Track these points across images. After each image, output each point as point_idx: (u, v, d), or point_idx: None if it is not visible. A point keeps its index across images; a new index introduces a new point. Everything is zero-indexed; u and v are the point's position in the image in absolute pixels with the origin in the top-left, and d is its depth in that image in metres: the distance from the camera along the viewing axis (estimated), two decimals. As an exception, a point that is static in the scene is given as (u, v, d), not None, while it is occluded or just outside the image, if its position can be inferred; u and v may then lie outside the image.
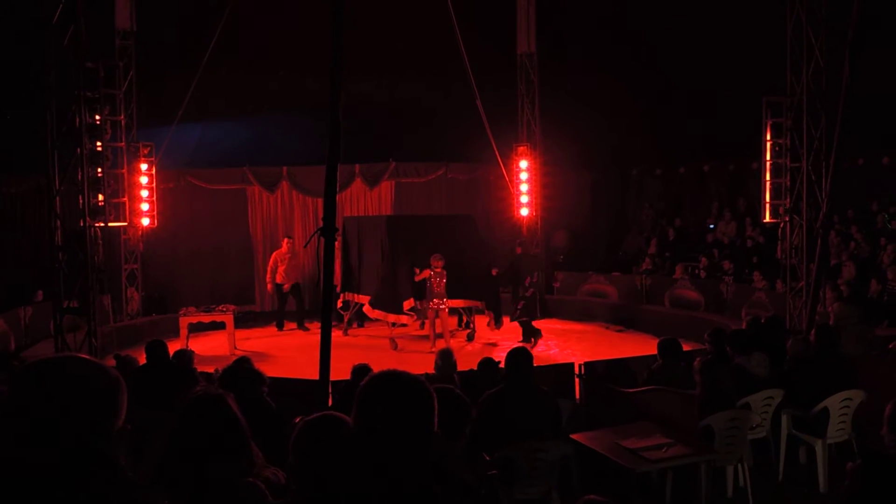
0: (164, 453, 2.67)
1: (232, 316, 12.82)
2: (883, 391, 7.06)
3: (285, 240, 14.72)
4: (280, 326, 14.69)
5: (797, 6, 11.04)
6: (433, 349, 11.64)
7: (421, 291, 12.51)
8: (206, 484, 2.57)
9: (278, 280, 14.46)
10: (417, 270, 12.41)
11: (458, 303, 12.95)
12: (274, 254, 14.74)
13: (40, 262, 13.45)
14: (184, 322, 12.62)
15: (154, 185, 14.44)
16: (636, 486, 5.48)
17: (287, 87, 16.34)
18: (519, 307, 12.68)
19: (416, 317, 13.26)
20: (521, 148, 16.39)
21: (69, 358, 1.87)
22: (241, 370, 5.82)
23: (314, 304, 16.00)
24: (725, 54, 15.05)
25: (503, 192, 16.73)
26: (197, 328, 12.92)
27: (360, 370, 6.39)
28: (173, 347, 8.24)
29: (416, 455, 2.02)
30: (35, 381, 1.77)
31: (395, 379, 2.10)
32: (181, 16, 14.71)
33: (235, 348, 12.52)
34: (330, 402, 6.19)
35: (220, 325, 12.89)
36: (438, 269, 12.07)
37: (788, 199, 11.63)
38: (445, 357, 7.01)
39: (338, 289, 13.51)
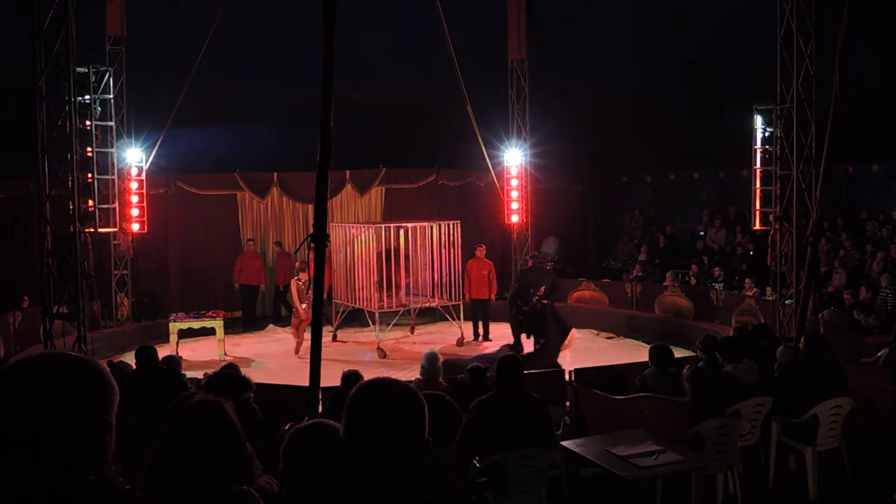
0: (156, 460, 2.64)
1: (222, 322, 12.80)
2: (873, 399, 7.11)
3: (249, 243, 15.64)
4: (248, 327, 15.12)
5: (788, 15, 11.09)
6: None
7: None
8: (199, 492, 2.55)
9: (243, 281, 15.19)
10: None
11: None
12: (239, 257, 15.47)
13: (29, 268, 13.39)
14: (173, 328, 12.59)
15: (144, 190, 14.41)
16: (626, 494, 5.48)
17: (277, 93, 16.32)
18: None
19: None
20: (512, 154, 16.40)
21: (43, 356, 1.75)
22: (227, 376, 5.79)
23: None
24: (716, 62, 15.12)
25: (494, 199, 16.74)
26: (187, 334, 12.89)
27: (351, 377, 6.37)
28: (163, 353, 8.21)
29: (406, 463, 2.02)
30: (3, 385, 1.69)
31: (385, 386, 2.09)
32: (172, 21, 14.68)
33: (225, 354, 12.47)
34: (320, 409, 6.18)
35: (210, 331, 12.85)
36: (304, 280, 12.42)
37: (778, 207, 11.67)
38: (431, 360, 6.99)
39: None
